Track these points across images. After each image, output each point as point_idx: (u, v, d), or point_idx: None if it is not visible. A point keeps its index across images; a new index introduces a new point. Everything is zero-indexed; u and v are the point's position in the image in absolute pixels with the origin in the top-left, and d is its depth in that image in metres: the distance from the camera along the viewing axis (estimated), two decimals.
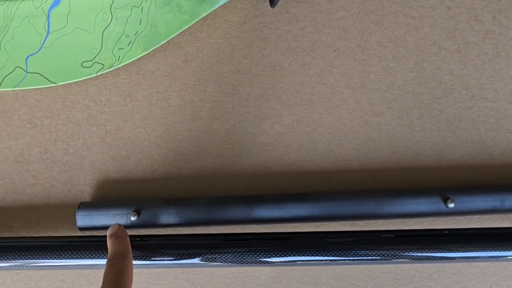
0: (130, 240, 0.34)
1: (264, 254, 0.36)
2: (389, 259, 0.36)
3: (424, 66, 0.40)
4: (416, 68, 0.40)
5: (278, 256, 0.36)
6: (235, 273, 0.40)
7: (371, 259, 0.36)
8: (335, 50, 0.41)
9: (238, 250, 0.36)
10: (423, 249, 0.36)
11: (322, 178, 0.40)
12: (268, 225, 0.39)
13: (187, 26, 0.39)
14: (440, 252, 0.35)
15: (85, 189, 0.41)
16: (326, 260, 0.36)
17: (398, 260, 0.36)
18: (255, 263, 0.36)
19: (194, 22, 0.39)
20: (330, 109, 0.41)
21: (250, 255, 0.36)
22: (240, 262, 0.36)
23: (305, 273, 0.40)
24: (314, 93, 0.41)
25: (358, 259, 0.36)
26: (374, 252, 0.36)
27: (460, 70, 0.40)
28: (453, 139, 0.40)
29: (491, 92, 0.40)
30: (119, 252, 0.32)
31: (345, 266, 0.39)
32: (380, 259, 0.36)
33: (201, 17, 0.39)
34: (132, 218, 0.37)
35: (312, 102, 0.41)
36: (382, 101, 0.41)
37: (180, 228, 0.39)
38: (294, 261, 0.36)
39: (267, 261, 0.36)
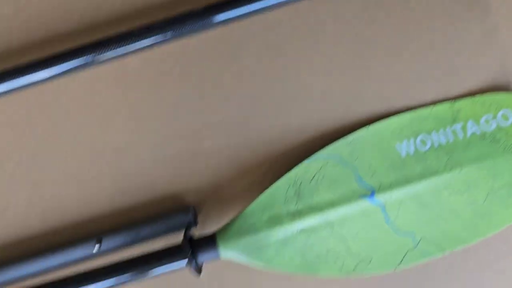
0: None
1: None
2: None
3: (79, 141, 0.51)
4: (74, 144, 0.50)
5: None
6: None
7: None
8: (9, 145, 0.51)
9: None
10: None
11: (12, 250, 0.49)
12: None
13: None
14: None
15: None
16: None
17: None
18: None
19: None
20: (13, 192, 0.50)
21: None
22: None
23: None
24: None
25: None
26: None
27: (106, 136, 0.50)
28: (109, 191, 0.50)
29: (133, 147, 0.50)
30: None
31: None
32: None
33: None
34: None
35: None
36: (52, 176, 0.50)
37: None
38: None
39: None
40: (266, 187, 0.48)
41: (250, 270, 0.49)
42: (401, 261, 0.47)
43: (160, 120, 0.50)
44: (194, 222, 0.48)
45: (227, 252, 0.45)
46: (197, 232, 0.49)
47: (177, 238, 0.49)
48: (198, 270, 0.45)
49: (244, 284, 0.49)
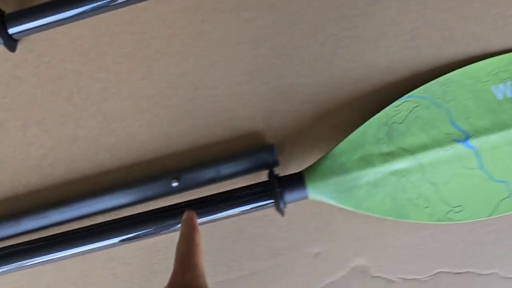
0: None
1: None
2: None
3: (153, 72, 0.48)
4: (147, 75, 0.48)
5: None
6: None
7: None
8: (78, 74, 0.48)
9: None
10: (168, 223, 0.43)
11: (81, 185, 0.47)
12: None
13: None
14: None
15: None
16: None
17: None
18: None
19: None
20: (82, 125, 0.48)
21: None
22: None
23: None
24: (67, 114, 0.48)
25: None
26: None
27: (182, 68, 0.48)
28: (185, 127, 0.47)
29: (210, 81, 0.47)
30: (186, 232, 0.35)
31: (114, 248, 0.45)
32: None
33: None
34: None
35: (66, 122, 0.48)
36: (124, 109, 0.48)
37: None
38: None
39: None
40: (353, 128, 0.45)
41: (329, 211, 0.46)
42: (493, 210, 0.45)
43: (240, 55, 0.47)
44: (276, 162, 0.45)
45: (315, 192, 0.43)
46: (279, 173, 0.46)
47: (256, 178, 0.46)
48: (283, 209, 0.43)
49: (325, 225, 0.47)
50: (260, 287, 0.47)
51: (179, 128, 0.47)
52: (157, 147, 0.47)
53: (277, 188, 0.42)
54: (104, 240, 0.43)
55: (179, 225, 0.42)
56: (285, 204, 0.42)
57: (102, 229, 0.44)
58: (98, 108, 0.48)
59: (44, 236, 0.45)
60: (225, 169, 0.44)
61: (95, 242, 0.44)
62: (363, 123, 0.45)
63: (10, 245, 0.45)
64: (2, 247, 0.45)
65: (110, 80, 0.48)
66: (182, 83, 0.48)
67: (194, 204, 0.42)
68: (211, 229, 0.45)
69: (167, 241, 0.46)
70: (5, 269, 0.44)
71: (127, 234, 0.43)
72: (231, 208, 0.43)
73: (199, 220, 0.42)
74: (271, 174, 0.43)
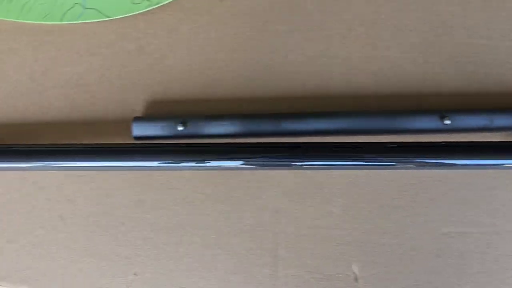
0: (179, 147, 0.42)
1: (290, 159, 0.43)
2: (393, 165, 0.43)
3: (427, 7, 0.47)
4: (422, 8, 0.47)
5: (298, 162, 0.44)
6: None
7: (376, 165, 0.43)
8: None
9: (267, 156, 0.43)
10: (422, 157, 0.43)
11: (338, 100, 0.47)
12: (293, 138, 0.46)
13: None
14: (437, 159, 0.42)
15: (137, 108, 0.48)
16: (338, 165, 0.43)
17: (399, 166, 0.43)
18: (281, 166, 0.44)
19: None
20: (346, 43, 0.48)
21: (277, 161, 0.43)
22: (267, 166, 0.44)
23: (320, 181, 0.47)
24: (333, 29, 0.48)
25: (365, 165, 0.43)
26: (379, 159, 0.43)
27: (460, 11, 0.47)
28: (452, 70, 0.47)
29: (486, 31, 0.47)
30: None
31: (356, 173, 0.46)
32: (385, 165, 0.43)
33: None
34: (179, 128, 0.45)
35: (331, 37, 0.48)
36: (391, 38, 0.47)
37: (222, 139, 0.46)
38: (313, 165, 0.44)
39: (292, 165, 0.44)
40: None
41: None
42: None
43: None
44: None
45: None
46: None
47: None
48: None
49: None
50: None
51: (445, 69, 0.47)
52: (421, 84, 0.47)
53: None
54: None
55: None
56: None
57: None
58: (366, 31, 0.47)
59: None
60: (499, 120, 0.44)
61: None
62: None
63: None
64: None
65: (381, 5, 0.47)
66: (456, 26, 0.47)
67: (465, 146, 0.42)
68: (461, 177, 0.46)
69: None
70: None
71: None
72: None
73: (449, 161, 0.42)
74: None
